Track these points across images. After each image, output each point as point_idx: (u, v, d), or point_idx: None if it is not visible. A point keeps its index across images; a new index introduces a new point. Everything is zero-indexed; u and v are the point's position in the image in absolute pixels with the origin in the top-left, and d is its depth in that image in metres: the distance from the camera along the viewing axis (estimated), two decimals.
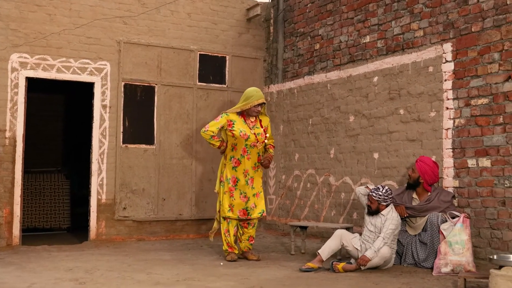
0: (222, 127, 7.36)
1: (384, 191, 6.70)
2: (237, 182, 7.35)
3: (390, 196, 6.73)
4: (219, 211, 7.50)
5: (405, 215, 6.91)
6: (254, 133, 7.34)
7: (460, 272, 6.07)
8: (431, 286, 5.71)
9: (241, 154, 7.33)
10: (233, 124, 7.32)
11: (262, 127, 7.45)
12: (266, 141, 7.51)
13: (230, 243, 7.36)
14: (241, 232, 7.52)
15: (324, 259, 6.69)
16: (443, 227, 6.54)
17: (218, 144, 7.39)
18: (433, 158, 7.38)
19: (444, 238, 6.43)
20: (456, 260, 6.29)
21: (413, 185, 7.07)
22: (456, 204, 7.05)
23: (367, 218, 6.85)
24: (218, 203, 7.53)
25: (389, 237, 6.58)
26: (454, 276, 6.12)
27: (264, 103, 7.42)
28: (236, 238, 7.49)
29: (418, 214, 6.88)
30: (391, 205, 6.77)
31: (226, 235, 7.37)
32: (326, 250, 6.73)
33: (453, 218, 6.56)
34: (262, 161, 7.45)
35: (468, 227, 6.42)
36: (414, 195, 7.08)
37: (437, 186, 7.15)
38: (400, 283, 5.87)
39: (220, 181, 7.49)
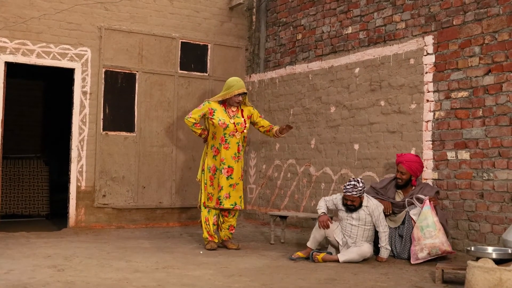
0: (204, 115, 7.42)
1: (361, 184, 6.63)
2: (216, 171, 7.37)
3: (364, 185, 6.74)
4: (200, 200, 7.53)
5: (390, 212, 6.91)
6: (234, 123, 7.36)
7: (437, 253, 6.29)
8: (409, 277, 5.76)
9: (219, 143, 7.35)
10: (214, 112, 7.37)
11: (243, 117, 7.46)
12: (256, 126, 7.60)
13: (210, 232, 7.38)
14: (222, 220, 7.54)
15: (313, 249, 6.78)
16: (413, 212, 6.63)
17: (199, 131, 7.47)
18: (413, 150, 7.44)
19: (415, 223, 6.52)
20: (430, 243, 6.38)
21: (405, 185, 7.06)
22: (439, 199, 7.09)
23: (347, 214, 6.77)
24: (200, 192, 7.56)
25: (386, 223, 6.72)
26: (432, 263, 6.23)
27: (245, 93, 7.44)
28: (216, 227, 7.51)
29: (400, 210, 6.91)
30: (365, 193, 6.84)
31: (207, 223, 7.40)
32: (313, 241, 6.81)
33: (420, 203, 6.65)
34: (281, 129, 7.49)
35: (434, 209, 6.52)
36: (398, 189, 7.11)
37: (421, 181, 7.18)
38: (379, 273, 5.92)
39: (202, 170, 7.52)
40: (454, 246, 6.87)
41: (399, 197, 7.06)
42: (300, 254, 6.73)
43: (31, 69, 9.64)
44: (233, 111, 7.44)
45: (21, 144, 12.36)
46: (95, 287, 5.07)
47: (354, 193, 6.60)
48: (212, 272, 5.84)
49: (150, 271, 5.83)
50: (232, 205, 7.38)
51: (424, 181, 7.23)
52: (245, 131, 7.48)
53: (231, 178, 7.36)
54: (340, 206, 6.85)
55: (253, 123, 7.63)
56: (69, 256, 6.53)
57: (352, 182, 6.63)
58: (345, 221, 6.81)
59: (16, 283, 5.11)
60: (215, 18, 10.33)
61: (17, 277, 5.34)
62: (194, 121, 7.40)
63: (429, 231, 6.41)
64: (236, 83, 7.38)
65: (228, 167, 7.35)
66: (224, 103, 7.47)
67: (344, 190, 6.66)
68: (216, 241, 7.45)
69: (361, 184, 6.62)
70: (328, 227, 6.69)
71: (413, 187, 7.01)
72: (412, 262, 6.40)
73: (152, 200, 9.67)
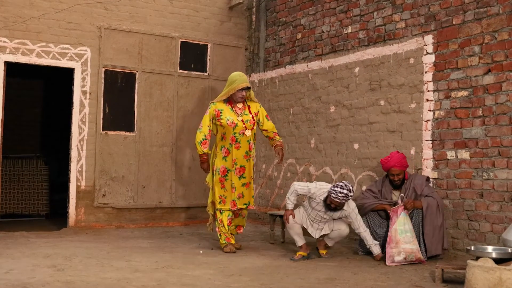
0: (213, 118, 7.19)
1: (352, 193, 6.50)
2: (227, 172, 7.18)
3: (353, 193, 6.63)
4: (211, 202, 7.37)
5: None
6: (242, 120, 7.15)
7: (412, 259, 6.37)
8: (409, 276, 5.77)
9: (229, 143, 7.15)
10: (221, 112, 7.15)
11: (251, 113, 7.26)
12: (260, 127, 7.37)
13: (227, 234, 7.21)
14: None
15: (305, 242, 6.86)
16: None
17: (200, 152, 7.18)
18: (413, 150, 7.44)
19: (393, 225, 6.58)
20: (408, 248, 6.44)
21: (402, 183, 7.06)
22: (431, 185, 7.12)
23: (322, 209, 6.71)
24: (210, 195, 7.40)
25: (363, 222, 6.80)
26: (432, 263, 6.27)
27: (249, 87, 7.22)
28: (230, 227, 7.29)
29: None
30: None
31: (221, 225, 7.22)
32: (299, 237, 6.85)
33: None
34: (276, 153, 7.30)
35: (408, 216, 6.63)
36: (395, 189, 7.11)
37: (410, 173, 7.19)
38: (379, 273, 5.93)
39: (212, 172, 7.32)
40: (454, 246, 6.88)
41: (395, 195, 7.06)
42: (301, 253, 6.77)
43: (31, 69, 9.64)
44: (239, 108, 7.22)
45: (21, 143, 12.36)
46: (94, 286, 5.07)
47: (344, 201, 6.50)
48: (212, 271, 5.84)
49: (150, 270, 5.83)
50: (245, 204, 7.27)
51: (430, 182, 7.19)
52: (254, 127, 7.27)
53: (243, 177, 7.21)
54: (318, 200, 6.68)
55: (258, 123, 7.38)
56: (68, 256, 6.53)
57: (345, 191, 6.42)
58: (315, 211, 6.76)
59: (16, 282, 5.11)
60: (215, 17, 10.32)
61: (16, 277, 5.35)
62: (204, 136, 7.12)
63: (408, 236, 6.47)
64: (238, 78, 7.16)
65: (240, 166, 7.18)
66: (230, 101, 7.23)
67: (333, 195, 6.44)
68: (233, 242, 7.28)
69: (351, 193, 6.50)
70: (288, 222, 6.77)
71: (405, 181, 7.03)
72: (387, 264, 6.41)
73: (152, 200, 9.67)
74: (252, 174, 7.35)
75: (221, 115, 7.15)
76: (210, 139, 7.26)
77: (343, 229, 6.80)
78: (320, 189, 6.70)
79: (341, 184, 6.48)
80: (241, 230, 7.57)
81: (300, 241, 6.83)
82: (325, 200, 6.62)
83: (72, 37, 9.07)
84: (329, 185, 6.70)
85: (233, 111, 7.19)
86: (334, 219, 6.82)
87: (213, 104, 7.25)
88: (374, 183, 7.40)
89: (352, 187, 6.54)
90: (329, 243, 6.95)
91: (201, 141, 7.16)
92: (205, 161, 7.28)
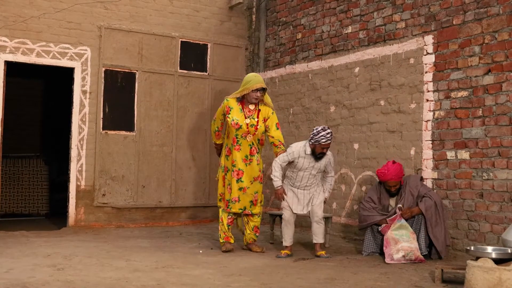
0: (223, 114, 7.15)
1: (329, 130, 6.77)
2: (227, 171, 7.17)
3: None
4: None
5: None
6: (247, 124, 7.03)
7: (411, 258, 6.43)
8: (409, 276, 5.76)
9: (231, 144, 7.10)
10: (230, 110, 7.08)
11: (258, 118, 7.08)
12: (267, 133, 7.16)
13: (226, 233, 7.18)
14: (246, 220, 7.28)
15: (291, 244, 7.03)
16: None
17: (215, 141, 7.44)
18: (413, 150, 7.44)
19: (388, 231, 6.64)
20: (407, 246, 6.49)
21: (399, 190, 7.05)
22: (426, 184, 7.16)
23: (311, 165, 6.88)
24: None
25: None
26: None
27: (264, 89, 7.07)
28: (230, 227, 7.24)
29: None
30: None
31: (221, 223, 7.20)
32: (290, 238, 6.99)
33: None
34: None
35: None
36: (391, 196, 7.10)
37: (405, 175, 7.18)
38: (379, 273, 5.93)
39: (220, 168, 7.35)
40: (454, 246, 6.89)
41: (393, 201, 7.05)
42: (287, 252, 6.92)
43: (31, 68, 9.64)
44: (250, 111, 7.09)
45: (21, 143, 12.35)
46: (94, 286, 5.07)
47: (330, 138, 6.76)
48: (212, 271, 5.84)
49: (149, 270, 5.83)
50: (241, 209, 7.11)
51: (424, 181, 7.20)
52: (257, 133, 7.10)
53: (241, 181, 7.08)
54: (302, 155, 6.88)
55: (265, 129, 7.17)
56: (68, 255, 6.53)
57: (328, 130, 6.75)
58: (305, 172, 6.96)
59: (16, 282, 5.11)
60: (215, 17, 10.32)
61: (16, 276, 5.34)
62: (217, 127, 7.30)
63: (405, 237, 6.53)
64: (253, 78, 7.03)
65: (239, 169, 7.06)
66: (242, 101, 7.12)
67: (323, 140, 6.70)
68: (232, 241, 7.24)
69: (329, 130, 6.79)
70: (283, 199, 6.99)
71: (401, 186, 7.01)
72: (386, 261, 6.46)
73: (152, 200, 9.67)
74: (253, 179, 7.13)
75: (229, 113, 7.09)
76: (223, 130, 7.39)
77: (316, 214, 6.97)
78: (296, 146, 6.95)
79: (318, 130, 6.77)
80: (258, 232, 7.33)
81: (289, 241, 6.97)
82: (313, 153, 6.83)
83: (72, 37, 9.07)
84: (301, 141, 7.03)
85: (242, 112, 7.09)
86: (320, 172, 7.00)
87: (226, 100, 7.18)
88: (371, 193, 7.21)
89: (324, 126, 6.82)
90: (320, 240, 6.95)
91: (215, 131, 7.38)
92: (218, 148, 7.50)
